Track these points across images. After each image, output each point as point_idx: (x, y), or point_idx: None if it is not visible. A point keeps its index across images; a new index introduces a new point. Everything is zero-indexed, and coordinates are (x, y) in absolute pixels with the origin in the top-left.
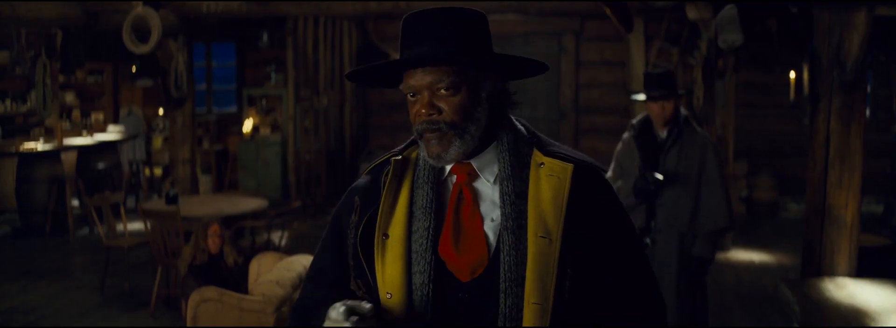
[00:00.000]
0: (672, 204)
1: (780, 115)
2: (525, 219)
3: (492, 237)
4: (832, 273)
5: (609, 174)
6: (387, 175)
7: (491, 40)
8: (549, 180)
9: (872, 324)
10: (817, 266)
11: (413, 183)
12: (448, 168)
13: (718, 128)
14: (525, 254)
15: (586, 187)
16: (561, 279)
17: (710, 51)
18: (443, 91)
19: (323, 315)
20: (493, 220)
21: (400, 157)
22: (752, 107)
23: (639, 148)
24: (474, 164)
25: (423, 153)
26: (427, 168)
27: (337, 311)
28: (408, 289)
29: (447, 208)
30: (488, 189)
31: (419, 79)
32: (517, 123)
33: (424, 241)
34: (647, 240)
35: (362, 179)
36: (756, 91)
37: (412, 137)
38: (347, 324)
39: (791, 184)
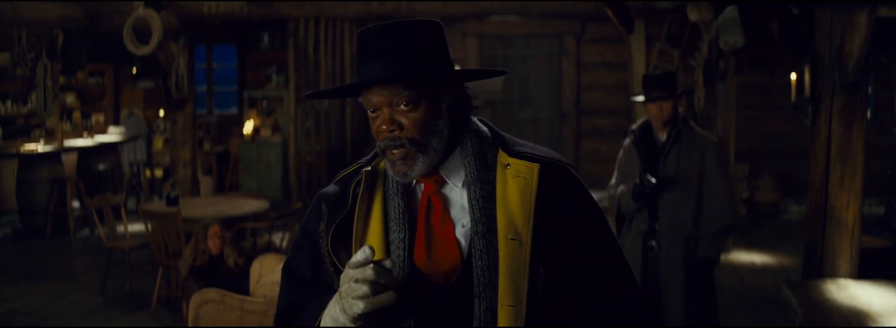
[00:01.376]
0: (674, 206)
1: (781, 116)
2: (495, 222)
3: (464, 243)
4: (833, 274)
5: (612, 181)
6: (358, 186)
7: (447, 49)
8: (516, 182)
9: (874, 326)
10: (819, 267)
11: (385, 194)
12: None
13: (719, 129)
14: (496, 258)
15: (553, 185)
16: (533, 280)
17: (712, 52)
18: (402, 107)
19: (308, 314)
20: (464, 226)
21: (369, 167)
22: (754, 108)
23: (638, 152)
24: (441, 172)
25: (388, 169)
26: (395, 179)
27: (364, 253)
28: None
29: (418, 217)
30: (458, 194)
31: (376, 95)
32: (481, 125)
33: (401, 252)
34: (653, 244)
35: (331, 187)
36: (757, 92)
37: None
38: (370, 269)
39: (792, 185)
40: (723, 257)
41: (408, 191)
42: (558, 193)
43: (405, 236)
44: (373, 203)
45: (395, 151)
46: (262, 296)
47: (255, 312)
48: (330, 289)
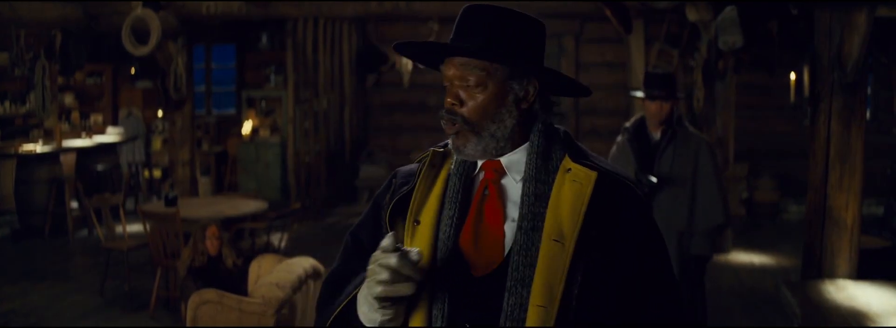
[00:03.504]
0: (669, 204)
1: (780, 116)
2: (542, 221)
3: (509, 236)
4: (832, 275)
5: None
6: (424, 164)
7: (541, 50)
8: (571, 186)
9: (872, 326)
10: (818, 267)
11: (448, 174)
12: (480, 163)
13: (719, 129)
14: (535, 257)
15: (611, 198)
16: (569, 285)
17: (711, 52)
18: (469, 84)
19: (355, 282)
20: (513, 221)
21: (441, 149)
22: (753, 108)
23: (633, 150)
24: (503, 161)
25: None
26: (461, 161)
27: (389, 239)
28: (430, 276)
29: (472, 202)
30: (515, 189)
31: (451, 68)
32: (558, 130)
33: (449, 230)
34: None
35: (408, 166)
36: (757, 92)
37: None
38: (394, 258)
39: (792, 185)
40: (722, 257)
41: (469, 176)
42: (614, 206)
43: (455, 215)
44: (435, 181)
45: (450, 126)
46: (260, 297)
47: (253, 313)
48: None
